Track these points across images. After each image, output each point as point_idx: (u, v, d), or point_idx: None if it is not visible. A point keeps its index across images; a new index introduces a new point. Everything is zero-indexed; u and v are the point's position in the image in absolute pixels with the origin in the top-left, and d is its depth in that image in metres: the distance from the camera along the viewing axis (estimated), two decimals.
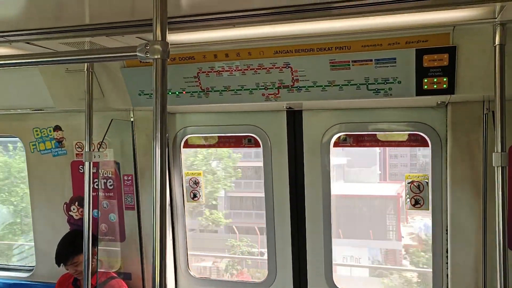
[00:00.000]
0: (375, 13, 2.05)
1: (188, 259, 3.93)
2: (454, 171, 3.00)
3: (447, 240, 3.10)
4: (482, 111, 2.87)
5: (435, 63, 2.54)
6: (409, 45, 2.55)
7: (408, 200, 3.22)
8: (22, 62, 1.90)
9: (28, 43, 2.53)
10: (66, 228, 3.99)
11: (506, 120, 2.32)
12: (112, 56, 1.78)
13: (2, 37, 2.45)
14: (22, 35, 2.43)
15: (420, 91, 2.65)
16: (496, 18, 2.19)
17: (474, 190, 2.94)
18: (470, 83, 2.58)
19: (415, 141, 3.26)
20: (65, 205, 4.03)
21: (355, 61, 2.66)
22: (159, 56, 1.51)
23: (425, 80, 2.61)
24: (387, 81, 2.69)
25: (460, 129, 2.95)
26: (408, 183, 3.21)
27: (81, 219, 3.76)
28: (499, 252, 2.32)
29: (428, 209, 3.20)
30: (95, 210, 3.67)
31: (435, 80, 2.59)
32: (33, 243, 4.20)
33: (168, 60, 1.57)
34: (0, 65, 1.90)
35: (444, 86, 2.59)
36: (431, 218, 3.19)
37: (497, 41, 2.29)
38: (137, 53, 1.55)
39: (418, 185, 3.19)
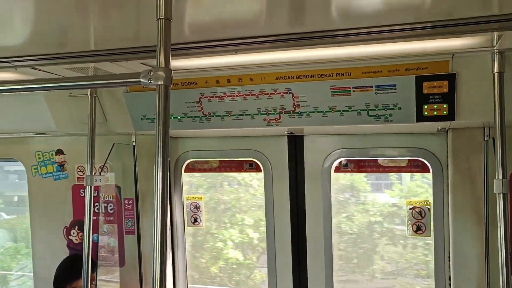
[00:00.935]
0: (375, 41, 2.08)
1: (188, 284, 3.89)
2: (455, 197, 2.99)
3: (449, 267, 3.07)
4: (482, 137, 2.88)
5: (435, 90, 2.56)
6: (409, 72, 2.58)
7: (410, 226, 3.20)
8: (28, 87, 1.92)
9: (33, 68, 2.57)
10: (65, 253, 3.95)
11: (506, 146, 2.33)
12: (116, 82, 1.79)
13: (8, 62, 2.49)
14: (27, 60, 2.46)
15: (420, 118, 2.67)
16: (494, 47, 2.22)
17: (476, 216, 2.92)
18: (470, 109, 2.60)
19: (416, 166, 3.26)
20: (65, 229, 4.00)
21: (355, 87, 2.69)
22: (162, 83, 1.52)
23: (425, 107, 2.63)
24: (387, 107, 2.71)
25: (461, 155, 2.95)
26: (410, 209, 3.20)
27: (81, 244, 3.73)
28: (502, 279, 2.29)
29: (430, 236, 3.17)
30: (95, 235, 3.65)
31: (435, 106, 2.61)
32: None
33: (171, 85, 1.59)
34: (6, 90, 1.91)
35: (444, 112, 2.61)
36: (433, 244, 3.17)
37: (495, 69, 2.32)
38: (141, 80, 1.56)
39: (420, 211, 3.17)
